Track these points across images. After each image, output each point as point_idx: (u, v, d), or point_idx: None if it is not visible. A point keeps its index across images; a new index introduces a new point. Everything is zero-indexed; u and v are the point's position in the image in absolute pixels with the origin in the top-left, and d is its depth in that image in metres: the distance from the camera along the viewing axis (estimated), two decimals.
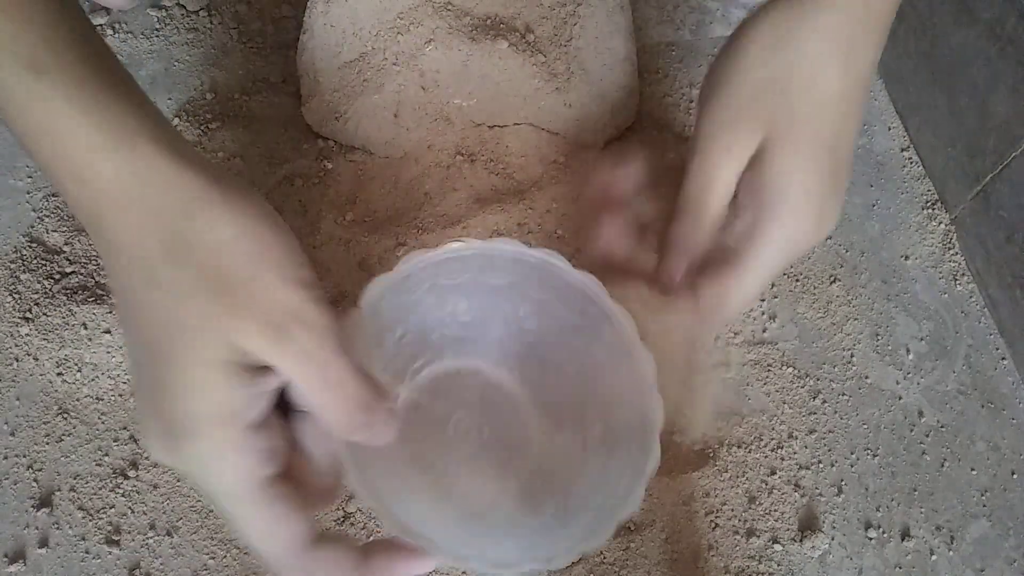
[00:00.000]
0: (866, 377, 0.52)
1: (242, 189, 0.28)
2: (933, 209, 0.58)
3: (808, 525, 0.47)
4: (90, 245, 0.50)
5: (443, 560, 0.34)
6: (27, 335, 0.47)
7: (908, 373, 0.53)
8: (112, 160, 0.26)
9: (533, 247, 0.40)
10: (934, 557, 0.48)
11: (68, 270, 0.49)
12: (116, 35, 0.58)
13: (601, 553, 0.44)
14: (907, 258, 0.57)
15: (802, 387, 0.51)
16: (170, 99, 0.56)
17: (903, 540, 0.48)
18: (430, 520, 0.38)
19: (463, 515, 0.41)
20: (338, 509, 0.44)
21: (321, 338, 0.28)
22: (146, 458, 0.45)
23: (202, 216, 0.27)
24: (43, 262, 0.49)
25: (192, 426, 0.27)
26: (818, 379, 0.52)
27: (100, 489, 0.44)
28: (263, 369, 0.27)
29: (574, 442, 0.43)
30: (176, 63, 0.57)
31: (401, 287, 0.39)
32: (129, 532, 0.43)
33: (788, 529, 0.47)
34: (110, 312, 0.47)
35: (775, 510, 0.47)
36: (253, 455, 0.27)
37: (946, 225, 0.58)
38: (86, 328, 0.47)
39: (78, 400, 0.46)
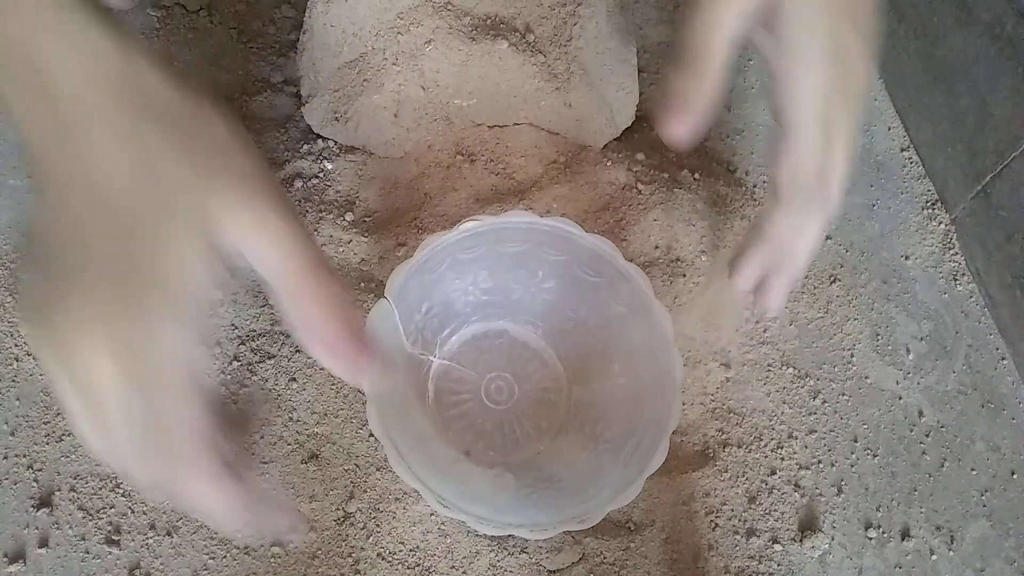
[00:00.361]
0: (866, 377, 0.52)
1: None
2: (933, 209, 0.58)
3: (808, 525, 0.47)
4: None
5: (487, 530, 0.36)
6: (27, 335, 0.47)
7: (908, 373, 0.53)
8: (81, 32, 0.26)
9: (544, 216, 0.41)
10: (934, 557, 0.48)
11: None
12: None
13: (601, 553, 0.44)
14: (907, 258, 0.57)
15: (802, 387, 0.51)
16: None
17: (903, 540, 0.48)
18: (469, 493, 0.40)
19: (494, 483, 0.42)
20: (338, 509, 0.44)
21: (297, 224, 0.28)
22: None
23: (185, 97, 0.28)
24: None
25: (157, 293, 0.26)
26: (818, 379, 0.51)
27: (100, 489, 0.44)
28: (222, 256, 0.28)
29: (601, 397, 0.44)
30: (176, 63, 0.57)
31: (422, 268, 0.41)
32: (129, 532, 0.43)
33: (788, 529, 0.47)
34: None
35: (775, 510, 0.47)
36: (196, 337, 0.27)
37: (946, 225, 0.58)
38: None
39: None
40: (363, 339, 0.30)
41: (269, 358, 0.47)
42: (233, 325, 0.48)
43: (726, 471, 0.47)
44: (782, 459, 0.49)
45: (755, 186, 0.57)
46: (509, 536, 0.43)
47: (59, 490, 0.44)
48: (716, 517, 0.46)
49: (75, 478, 0.44)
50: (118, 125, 0.27)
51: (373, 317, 0.40)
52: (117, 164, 0.26)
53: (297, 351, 0.47)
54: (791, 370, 0.51)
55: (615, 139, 0.56)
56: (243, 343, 0.48)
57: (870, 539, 0.48)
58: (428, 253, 0.41)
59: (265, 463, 0.45)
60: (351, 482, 0.45)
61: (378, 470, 0.45)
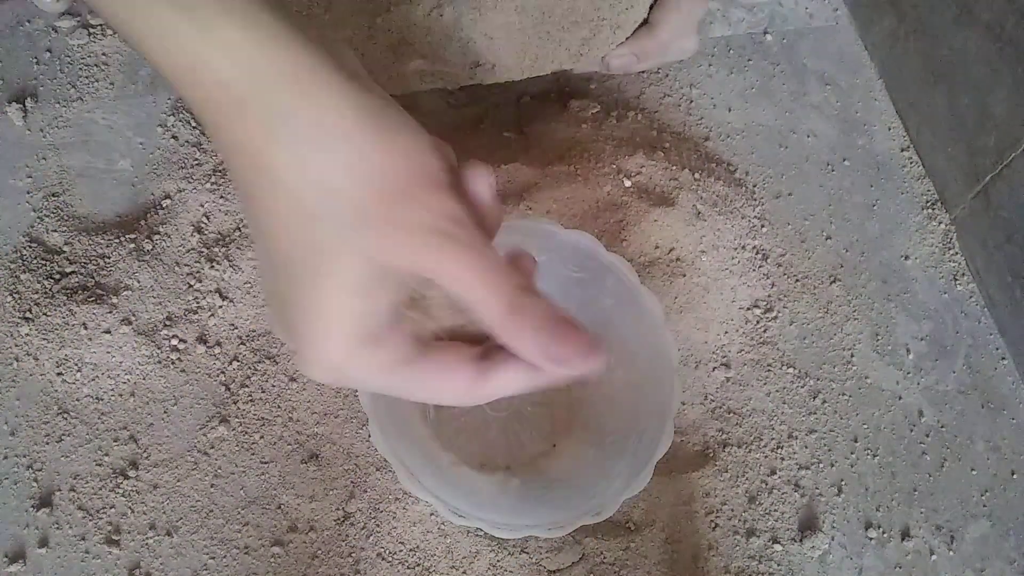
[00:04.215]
0: (866, 377, 0.52)
1: (394, 121, 0.27)
2: (933, 209, 0.58)
3: (808, 525, 0.47)
4: (90, 245, 0.50)
5: (506, 534, 0.36)
6: (27, 335, 0.47)
7: (908, 373, 0.53)
8: (271, 71, 0.24)
9: (524, 218, 0.41)
10: (934, 557, 0.48)
11: (68, 270, 0.49)
12: (116, 35, 0.58)
13: (601, 553, 0.44)
14: (907, 258, 0.57)
15: (802, 387, 0.51)
16: (170, 99, 0.56)
17: (903, 540, 0.48)
18: (482, 501, 0.40)
19: (500, 486, 0.42)
20: (338, 509, 0.44)
21: (475, 231, 0.27)
22: (147, 458, 0.45)
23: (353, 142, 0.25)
24: (43, 262, 0.49)
25: (325, 348, 0.26)
26: (818, 379, 0.51)
27: (100, 489, 0.44)
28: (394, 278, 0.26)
29: (601, 393, 0.44)
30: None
31: None
32: (129, 532, 0.43)
33: (788, 529, 0.47)
34: (110, 312, 0.47)
35: (775, 510, 0.47)
36: (396, 349, 0.27)
37: (946, 225, 0.58)
38: (86, 328, 0.47)
39: (78, 400, 0.46)
40: (577, 330, 0.28)
41: (269, 358, 0.47)
42: (233, 325, 0.48)
43: (726, 471, 0.47)
44: (782, 459, 0.49)
45: (755, 186, 0.57)
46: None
47: (59, 490, 0.44)
48: (716, 517, 0.46)
49: (75, 478, 0.44)
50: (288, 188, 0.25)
51: None
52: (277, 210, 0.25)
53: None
54: (791, 370, 0.51)
55: (615, 139, 0.56)
56: (243, 343, 0.48)
57: (870, 539, 0.48)
58: None
59: (265, 463, 0.45)
60: (351, 482, 0.45)
61: (378, 470, 0.45)
